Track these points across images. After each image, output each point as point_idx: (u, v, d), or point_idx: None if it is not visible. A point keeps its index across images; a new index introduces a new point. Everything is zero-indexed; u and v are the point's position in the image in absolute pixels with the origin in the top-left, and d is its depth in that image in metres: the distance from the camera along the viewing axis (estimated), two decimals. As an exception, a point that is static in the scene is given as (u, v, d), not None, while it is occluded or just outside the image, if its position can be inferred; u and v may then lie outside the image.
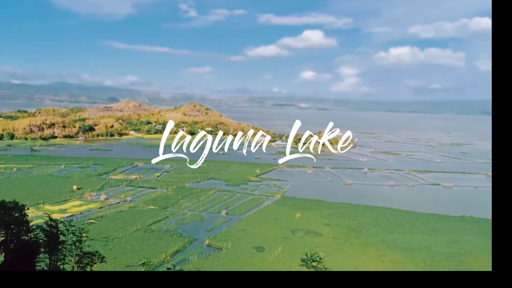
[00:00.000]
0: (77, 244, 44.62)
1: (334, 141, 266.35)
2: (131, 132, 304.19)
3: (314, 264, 27.32)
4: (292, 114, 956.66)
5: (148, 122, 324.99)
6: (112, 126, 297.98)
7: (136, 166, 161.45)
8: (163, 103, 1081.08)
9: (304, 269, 29.60)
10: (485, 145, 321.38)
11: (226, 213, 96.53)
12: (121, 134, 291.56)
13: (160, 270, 62.29)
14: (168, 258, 67.98)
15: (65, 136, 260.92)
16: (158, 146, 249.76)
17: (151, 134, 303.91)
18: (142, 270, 59.93)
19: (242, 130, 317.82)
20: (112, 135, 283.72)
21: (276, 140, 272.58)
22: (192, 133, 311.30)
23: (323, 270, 27.90)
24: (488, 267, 40.76)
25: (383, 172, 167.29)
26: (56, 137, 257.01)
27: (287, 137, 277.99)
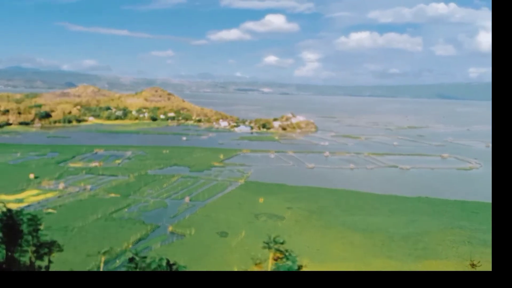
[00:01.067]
0: (34, 234, 43.45)
1: (296, 126, 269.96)
2: (90, 118, 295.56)
3: (276, 246, 27.91)
4: (255, 99, 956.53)
5: (108, 108, 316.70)
6: (70, 112, 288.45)
7: (96, 153, 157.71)
8: (124, 88, 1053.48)
9: (266, 251, 30.06)
10: (441, 128, 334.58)
11: (190, 200, 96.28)
12: (79, 121, 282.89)
13: (123, 258, 61.81)
14: (130, 246, 67.34)
15: (20, 123, 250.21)
16: (118, 133, 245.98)
17: (111, 120, 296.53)
18: (104, 259, 59.14)
19: (205, 116, 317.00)
20: (70, 121, 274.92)
21: (239, 125, 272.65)
22: (154, 119, 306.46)
23: (285, 251, 28.40)
24: (443, 245, 42.57)
25: (343, 156, 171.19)
26: (11, 124, 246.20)
27: (250, 122, 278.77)
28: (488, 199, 58.38)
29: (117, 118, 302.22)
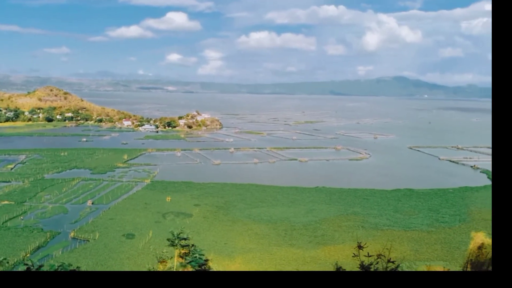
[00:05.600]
0: None
1: (202, 124, 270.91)
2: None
3: (182, 242, 29.09)
4: (159, 98, 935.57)
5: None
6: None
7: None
8: (14, 87, 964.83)
9: (172, 249, 31.21)
10: (334, 122, 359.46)
11: (92, 203, 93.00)
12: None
13: (21, 268, 58.50)
14: (28, 255, 63.83)
15: None
16: (9, 136, 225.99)
17: (1, 122, 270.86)
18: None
19: (107, 115, 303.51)
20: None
21: (143, 124, 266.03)
22: (50, 120, 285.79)
23: (190, 247, 29.87)
24: (340, 231, 48.41)
25: (247, 151, 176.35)
26: None
27: (155, 121, 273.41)
28: (377, 185, 67.11)
29: (7, 120, 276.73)
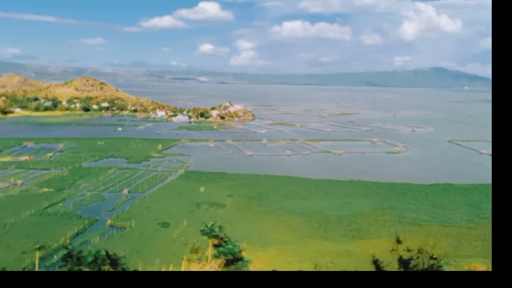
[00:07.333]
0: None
1: (234, 115, 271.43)
2: (17, 109, 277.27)
3: (215, 233, 28.73)
4: (192, 88, 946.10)
5: (36, 99, 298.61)
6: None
7: (26, 146, 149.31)
8: (52, 77, 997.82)
9: (205, 239, 30.91)
10: (369, 113, 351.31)
11: (129, 191, 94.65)
12: (5, 113, 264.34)
13: (61, 254, 60.12)
14: (67, 241, 65.56)
15: None
16: (48, 124, 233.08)
17: (40, 111, 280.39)
18: (40, 254, 57.21)
19: (141, 105, 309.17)
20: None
21: (177, 115, 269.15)
22: (87, 110, 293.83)
23: (224, 237, 29.41)
24: (375, 225, 46.51)
25: (280, 143, 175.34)
26: None
27: (188, 112, 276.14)
28: (415, 179, 64.45)
29: (46, 109, 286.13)
